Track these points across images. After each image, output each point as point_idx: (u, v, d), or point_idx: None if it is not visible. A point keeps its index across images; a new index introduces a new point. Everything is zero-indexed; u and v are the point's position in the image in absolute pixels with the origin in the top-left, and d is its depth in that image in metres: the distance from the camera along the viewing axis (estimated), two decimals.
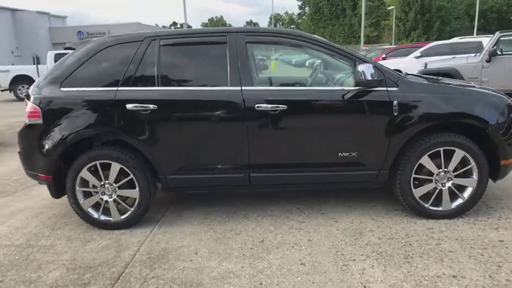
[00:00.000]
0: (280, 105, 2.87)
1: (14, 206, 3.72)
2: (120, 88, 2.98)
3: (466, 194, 3.01)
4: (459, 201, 3.03)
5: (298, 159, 3.01)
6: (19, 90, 14.62)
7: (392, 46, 16.61)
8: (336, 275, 2.38)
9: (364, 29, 28.27)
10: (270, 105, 2.87)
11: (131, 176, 3.03)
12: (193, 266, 2.56)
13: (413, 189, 3.01)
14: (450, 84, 3.14)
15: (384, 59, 13.87)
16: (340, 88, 2.92)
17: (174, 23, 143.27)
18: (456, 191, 3.02)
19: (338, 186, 3.20)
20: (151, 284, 2.38)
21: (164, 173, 3.05)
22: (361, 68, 2.71)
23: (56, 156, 3.00)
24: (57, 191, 3.12)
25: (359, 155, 2.98)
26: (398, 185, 3.02)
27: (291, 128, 2.95)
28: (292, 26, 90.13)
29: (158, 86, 2.98)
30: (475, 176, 2.96)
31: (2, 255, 2.82)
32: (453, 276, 2.30)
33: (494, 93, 3.05)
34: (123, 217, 3.12)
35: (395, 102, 2.88)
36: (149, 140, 2.96)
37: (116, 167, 3.02)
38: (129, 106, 2.92)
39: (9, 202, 3.83)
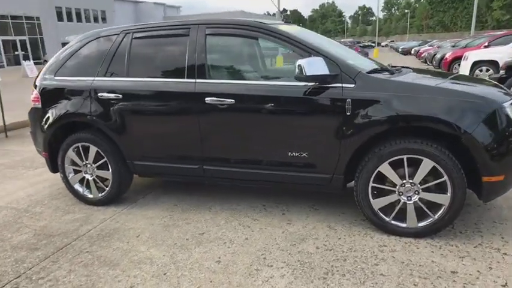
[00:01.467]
0: (228, 99, 2.81)
1: (40, 177, 4.38)
2: (96, 78, 3.26)
3: (438, 212, 2.56)
4: (429, 219, 2.59)
5: (247, 155, 2.92)
6: None
7: (501, 32, 14.09)
8: (240, 278, 2.30)
9: (493, 12, 24.40)
10: (218, 99, 2.84)
11: (105, 158, 3.32)
12: (125, 247, 2.73)
13: (371, 199, 2.67)
14: (438, 82, 2.65)
15: (486, 47, 12.01)
16: (290, 83, 2.71)
17: (284, 10, 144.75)
18: (424, 207, 2.58)
19: (290, 186, 2.99)
20: (81, 257, 2.62)
21: (130, 159, 3.26)
22: (300, 61, 2.48)
23: (50, 136, 3.45)
24: (53, 166, 3.59)
25: (310, 156, 2.75)
26: (356, 193, 2.71)
27: (239, 123, 2.87)
28: (406, 11, 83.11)
29: (127, 76, 3.18)
30: (449, 192, 2.49)
31: (3, 216, 3.38)
32: None
33: (484, 94, 2.47)
34: (100, 195, 3.44)
35: (348, 100, 2.57)
36: (116, 127, 3.19)
37: (93, 149, 3.34)
38: (100, 95, 3.19)
39: (38, 174, 4.51)
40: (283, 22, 3.40)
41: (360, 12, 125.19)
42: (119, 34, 3.28)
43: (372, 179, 2.63)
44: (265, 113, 2.79)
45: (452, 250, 2.48)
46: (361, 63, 3.06)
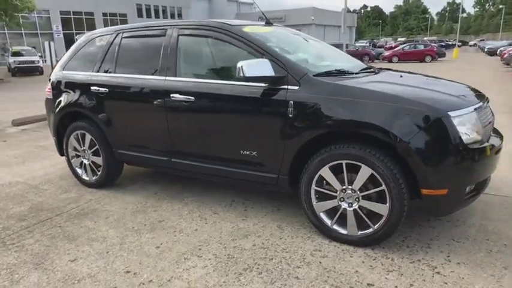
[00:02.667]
0: (188, 97, 2.98)
1: (61, 159, 4.91)
2: (92, 73, 3.63)
3: (378, 222, 2.46)
4: (368, 229, 2.50)
5: (206, 151, 3.05)
6: None
7: None
8: (166, 264, 2.46)
9: None
10: (180, 96, 3.01)
11: (97, 146, 3.70)
12: (91, 226, 3.04)
13: (313, 203, 2.65)
14: (386, 86, 2.53)
15: None
16: (242, 83, 2.77)
17: (365, 6, 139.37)
18: (363, 216, 2.50)
19: (245, 184, 3.05)
20: (52, 230, 2.99)
21: (115, 148, 3.58)
22: (241, 63, 2.54)
23: (57, 123, 3.93)
24: (60, 150, 4.08)
25: (259, 155, 2.80)
26: (300, 195, 2.71)
27: (198, 120, 3.01)
28: (500, 7, 75.09)
29: (114, 73, 3.50)
30: (387, 202, 2.38)
31: (16, 189, 3.93)
32: None
33: (429, 101, 2.30)
34: (94, 178, 3.84)
35: (291, 102, 2.57)
36: (103, 118, 3.53)
37: (88, 137, 3.73)
38: (92, 88, 3.56)
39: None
40: (264, 23, 3.45)
41: (448, 8, 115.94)
42: (112, 34, 3.62)
43: (314, 182, 2.61)
44: (220, 111, 2.91)
45: (384, 263, 2.38)
46: (331, 65, 3.03)
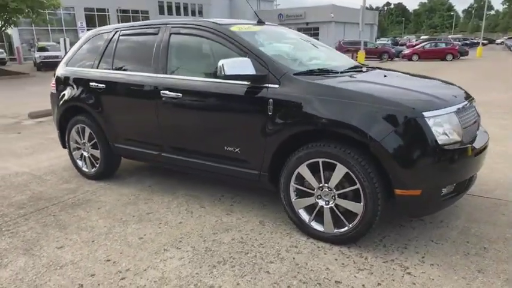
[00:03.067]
0: (176, 93, 3.06)
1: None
2: (91, 69, 3.77)
3: (353, 221, 2.48)
4: (344, 227, 2.52)
5: (194, 146, 3.13)
6: None
7: None
8: (146, 254, 2.55)
9: None
10: (169, 92, 3.10)
11: (95, 139, 3.83)
12: (82, 216, 3.17)
13: (292, 199, 2.69)
14: (363, 86, 2.54)
15: None
16: (227, 81, 2.82)
17: (388, 3, 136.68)
18: (339, 214, 2.52)
19: (230, 179, 3.11)
20: (46, 219, 3.13)
21: (111, 141, 3.71)
22: (222, 61, 2.59)
23: (60, 116, 4.09)
24: (63, 142, 4.24)
25: (242, 152, 2.86)
26: (280, 192, 2.75)
27: (185, 115, 3.10)
28: None
29: (112, 69, 3.61)
30: (362, 201, 2.40)
31: (20, 179, 4.12)
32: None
33: (403, 101, 2.30)
34: (92, 170, 3.99)
35: (270, 100, 2.62)
36: (100, 112, 3.66)
37: (87, 131, 3.87)
38: (91, 84, 3.69)
39: None
40: (256, 22, 3.49)
41: (475, 5, 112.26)
42: (111, 32, 3.74)
43: (292, 179, 2.64)
44: (206, 108, 2.98)
45: (357, 261, 2.40)
46: (318, 64, 3.06)
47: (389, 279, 2.21)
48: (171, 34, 3.25)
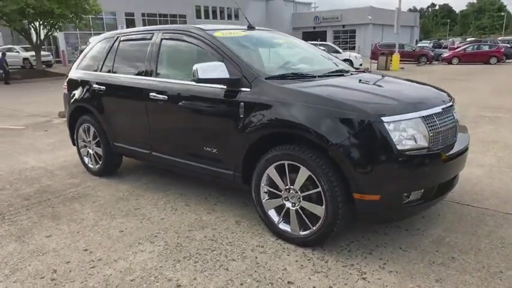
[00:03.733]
0: (162, 96, 3.22)
1: None
2: (95, 72, 4.03)
3: (317, 224, 2.50)
4: (308, 229, 2.56)
5: (178, 146, 3.27)
6: None
7: None
8: (121, 246, 2.71)
9: None
10: (156, 95, 3.26)
11: (98, 138, 4.09)
12: (77, 209, 3.40)
13: (263, 200, 2.76)
14: (328, 90, 2.57)
15: None
16: (205, 84, 2.93)
17: (433, 5, 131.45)
18: (303, 216, 2.56)
19: (210, 179, 3.21)
20: (45, 210, 3.39)
21: (111, 140, 3.94)
22: (196, 65, 2.70)
23: (69, 116, 4.39)
24: (73, 140, 4.55)
25: (219, 152, 2.96)
26: (252, 192, 2.82)
27: (170, 117, 3.25)
28: None
29: (112, 72, 3.85)
30: (323, 204, 2.42)
31: (34, 173, 4.46)
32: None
33: (362, 105, 2.30)
34: (96, 167, 4.25)
35: (242, 103, 2.70)
36: (102, 113, 3.91)
37: (92, 130, 4.14)
38: (94, 86, 3.94)
39: None
40: (246, 27, 3.59)
41: None
42: (113, 37, 3.98)
43: (263, 181, 2.71)
44: (188, 110, 3.11)
45: (316, 264, 2.42)
46: (299, 68, 3.11)
47: (342, 283, 2.22)
48: (162, 39, 3.42)
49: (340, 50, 21.25)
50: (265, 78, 2.72)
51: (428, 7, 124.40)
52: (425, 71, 20.14)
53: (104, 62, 3.97)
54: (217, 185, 3.78)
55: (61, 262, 2.54)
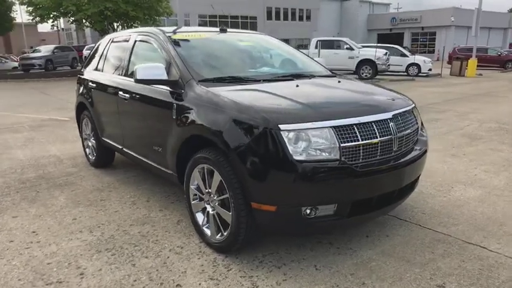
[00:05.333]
0: (126, 95, 3.40)
1: None
2: (91, 71, 4.38)
3: (227, 229, 2.47)
4: (223, 235, 2.52)
5: (138, 144, 3.43)
6: None
7: None
8: (65, 231, 2.94)
9: None
10: (122, 94, 3.46)
11: (93, 131, 4.44)
12: (55, 195, 3.73)
13: (191, 202, 2.78)
14: (244, 96, 2.51)
15: None
16: (156, 86, 3.02)
17: None
18: (218, 221, 2.53)
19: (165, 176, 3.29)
20: (31, 193, 3.77)
21: (100, 134, 4.25)
22: (136, 66, 2.81)
23: (76, 111, 4.83)
24: (80, 133, 4.98)
25: (162, 152, 3.04)
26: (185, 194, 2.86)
27: (131, 115, 3.43)
28: None
29: (101, 71, 4.15)
30: (231, 210, 2.38)
31: (46, 161, 4.97)
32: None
33: (265, 112, 2.22)
34: (93, 159, 4.61)
35: (174, 105, 2.76)
36: (93, 109, 4.23)
37: (89, 124, 4.51)
38: (89, 84, 4.29)
39: None
40: (219, 30, 3.62)
41: None
42: (107, 39, 4.28)
43: (191, 182, 2.74)
44: (141, 109, 3.26)
45: (217, 271, 2.39)
46: (254, 72, 3.11)
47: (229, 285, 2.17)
48: (135, 41, 3.61)
49: (408, 54, 19.91)
50: (199, 81, 2.74)
51: (510, 10, 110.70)
52: (507, 78, 18.07)
53: (98, 62, 4.31)
54: None
55: (6, 240, 2.83)
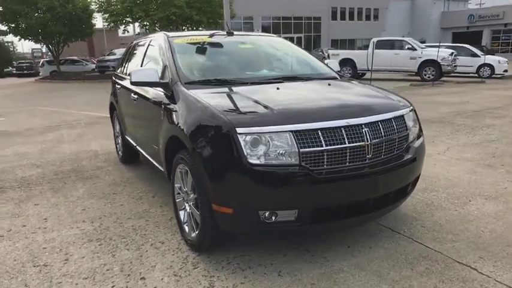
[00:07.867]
0: (135, 96, 3.62)
1: None
2: (120, 73, 4.72)
3: (198, 228, 2.53)
4: (195, 234, 2.59)
5: (145, 143, 3.64)
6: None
7: None
8: (69, 220, 3.22)
9: None
10: (133, 95, 3.69)
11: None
12: (77, 187, 4.09)
13: (176, 200, 2.88)
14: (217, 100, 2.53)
15: None
16: (154, 88, 3.18)
17: None
18: (192, 220, 2.60)
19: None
20: (57, 184, 4.19)
21: (124, 132, 4.56)
22: (130, 70, 2.99)
23: (109, 110, 5.23)
24: (113, 131, 5.39)
25: (158, 150, 3.19)
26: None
27: (139, 115, 3.63)
28: None
29: (123, 74, 4.46)
30: (199, 209, 2.44)
31: (85, 155, 5.44)
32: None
33: (223, 113, 2.24)
34: (120, 155, 4.96)
35: (162, 106, 2.88)
36: (118, 107, 4.56)
37: (117, 122, 4.86)
38: (116, 85, 4.63)
39: None
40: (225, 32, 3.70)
41: None
42: (133, 42, 4.58)
43: (175, 181, 2.84)
44: (145, 110, 3.44)
45: (183, 268, 2.46)
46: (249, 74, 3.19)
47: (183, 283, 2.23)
48: (148, 45, 3.82)
49: (479, 54, 18.21)
50: (185, 83, 2.84)
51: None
52: None
53: (123, 64, 4.63)
54: None
55: (20, 225, 3.19)
